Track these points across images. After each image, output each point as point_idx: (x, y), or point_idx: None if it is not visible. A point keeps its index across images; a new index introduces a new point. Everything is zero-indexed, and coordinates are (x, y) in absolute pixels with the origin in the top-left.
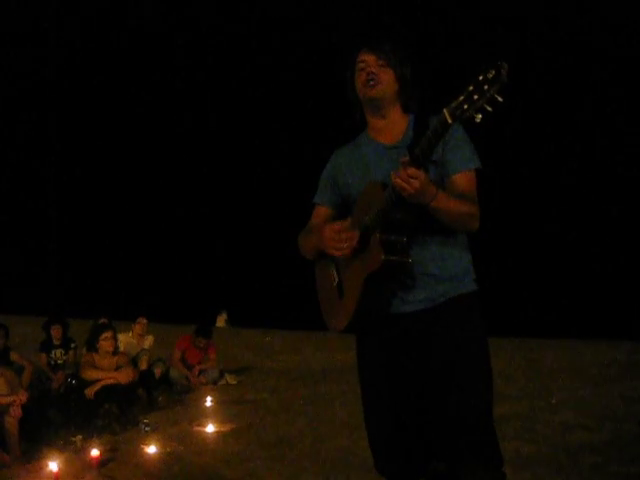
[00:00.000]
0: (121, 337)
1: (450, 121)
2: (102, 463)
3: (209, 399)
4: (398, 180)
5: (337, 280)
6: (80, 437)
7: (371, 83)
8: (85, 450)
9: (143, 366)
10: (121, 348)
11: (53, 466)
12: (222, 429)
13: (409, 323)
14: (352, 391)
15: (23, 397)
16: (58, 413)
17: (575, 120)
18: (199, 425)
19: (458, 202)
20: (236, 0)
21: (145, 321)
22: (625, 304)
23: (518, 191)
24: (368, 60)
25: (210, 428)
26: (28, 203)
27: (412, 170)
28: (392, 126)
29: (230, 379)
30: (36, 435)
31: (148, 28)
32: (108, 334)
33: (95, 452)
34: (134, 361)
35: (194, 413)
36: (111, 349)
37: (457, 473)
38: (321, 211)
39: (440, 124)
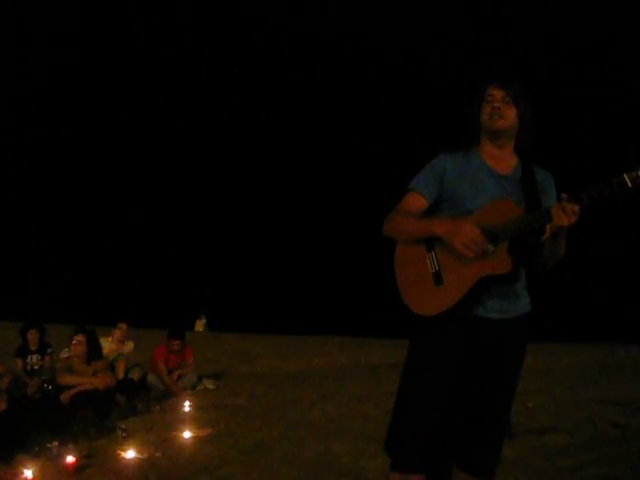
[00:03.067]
0: (101, 342)
1: (630, 186)
2: (78, 469)
3: (187, 404)
4: (560, 212)
5: (436, 268)
6: (56, 443)
7: (495, 117)
8: (61, 456)
9: (120, 371)
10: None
11: (28, 473)
12: (200, 434)
13: (486, 328)
14: (330, 396)
15: (2, 406)
16: (34, 419)
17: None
18: (176, 430)
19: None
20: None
21: (125, 326)
22: (601, 308)
23: None
24: (496, 95)
25: (187, 433)
26: (6, 209)
27: (577, 208)
28: (505, 158)
29: (208, 384)
30: (12, 441)
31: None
32: (80, 337)
33: (71, 458)
34: (111, 366)
35: (172, 418)
36: (80, 353)
37: (470, 464)
38: (418, 200)
39: (618, 185)
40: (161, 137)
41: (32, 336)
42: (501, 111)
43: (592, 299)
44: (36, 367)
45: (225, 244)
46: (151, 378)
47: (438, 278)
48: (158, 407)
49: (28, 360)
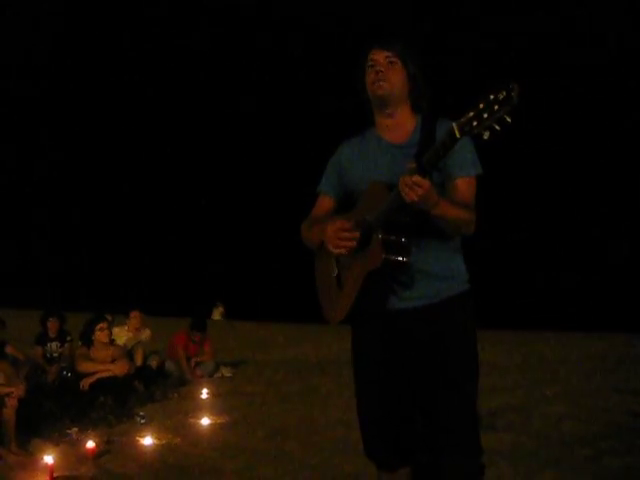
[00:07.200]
0: (118, 330)
1: (458, 136)
2: (98, 455)
3: (205, 391)
4: (403, 186)
5: (336, 272)
6: (76, 429)
7: (380, 83)
8: (81, 442)
9: (139, 359)
10: (119, 341)
11: (49, 458)
12: (217, 421)
13: (405, 319)
14: (347, 383)
15: (21, 390)
16: (53, 405)
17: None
18: (194, 417)
19: (457, 209)
20: None
21: (138, 314)
22: (619, 297)
23: (512, 191)
24: (377, 58)
25: (205, 420)
26: (24, 198)
27: (417, 178)
28: (400, 125)
29: (225, 372)
30: (32, 427)
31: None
32: (103, 325)
33: (91, 444)
34: (129, 354)
35: (189, 405)
36: (107, 340)
37: (438, 462)
38: (324, 201)
39: (448, 138)
40: (173, 126)
41: (52, 324)
42: (385, 75)
43: (611, 290)
44: (55, 355)
45: (243, 232)
46: (169, 365)
47: (339, 282)
48: (176, 394)
49: (48, 348)
